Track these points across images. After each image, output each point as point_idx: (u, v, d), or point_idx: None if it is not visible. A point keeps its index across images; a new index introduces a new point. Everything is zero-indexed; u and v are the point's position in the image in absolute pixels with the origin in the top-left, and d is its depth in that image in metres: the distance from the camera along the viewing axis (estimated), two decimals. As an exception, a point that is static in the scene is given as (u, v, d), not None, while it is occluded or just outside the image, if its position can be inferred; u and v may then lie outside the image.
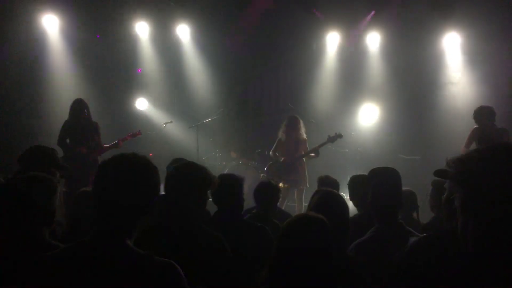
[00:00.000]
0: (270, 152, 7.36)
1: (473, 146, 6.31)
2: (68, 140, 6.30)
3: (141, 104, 9.13)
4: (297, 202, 7.10)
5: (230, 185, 2.94)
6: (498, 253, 1.14)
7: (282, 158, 7.10)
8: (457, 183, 1.24)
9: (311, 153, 7.08)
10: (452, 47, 8.79)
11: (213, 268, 2.25)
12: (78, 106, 6.29)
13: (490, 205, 1.14)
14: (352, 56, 9.27)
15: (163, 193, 2.48)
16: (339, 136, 7.07)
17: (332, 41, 9.22)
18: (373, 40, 9.08)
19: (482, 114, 6.20)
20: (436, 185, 3.32)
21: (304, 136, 7.20)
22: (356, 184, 3.63)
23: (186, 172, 2.36)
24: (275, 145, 7.32)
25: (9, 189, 2.18)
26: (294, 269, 1.84)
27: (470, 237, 1.19)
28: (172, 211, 2.38)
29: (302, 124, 7.22)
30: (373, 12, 8.76)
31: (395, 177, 2.76)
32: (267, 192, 3.57)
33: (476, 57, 8.47)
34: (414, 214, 3.56)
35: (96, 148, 6.31)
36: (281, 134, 7.23)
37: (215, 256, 2.30)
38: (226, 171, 7.75)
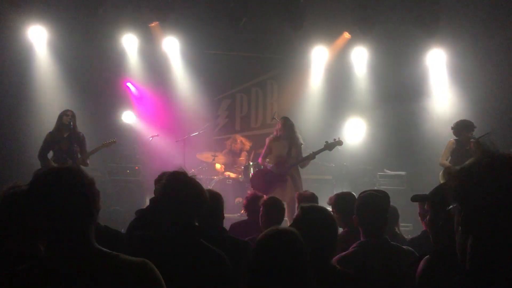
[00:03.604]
0: (259, 159, 6.80)
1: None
2: (52, 153, 6.18)
3: (128, 117, 9.08)
4: (288, 218, 5.81)
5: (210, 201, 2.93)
6: (495, 271, 1.11)
7: (271, 165, 6.46)
8: (456, 197, 1.19)
9: (306, 160, 6.33)
10: (437, 63, 8.94)
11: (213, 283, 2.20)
12: (66, 118, 6.21)
13: (490, 220, 1.11)
14: (338, 70, 9.36)
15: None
16: (339, 143, 6.34)
17: (318, 55, 9.30)
18: (359, 55, 9.18)
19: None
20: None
21: (301, 140, 6.49)
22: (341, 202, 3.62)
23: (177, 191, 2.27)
24: (264, 150, 6.68)
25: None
26: (269, 284, 1.81)
27: (468, 253, 1.16)
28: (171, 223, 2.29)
29: (297, 128, 6.55)
30: None
31: (384, 200, 2.81)
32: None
33: (461, 73, 8.62)
34: (396, 228, 3.63)
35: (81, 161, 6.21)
36: (272, 138, 6.59)
37: (217, 273, 2.24)
38: (212, 185, 7.72)
